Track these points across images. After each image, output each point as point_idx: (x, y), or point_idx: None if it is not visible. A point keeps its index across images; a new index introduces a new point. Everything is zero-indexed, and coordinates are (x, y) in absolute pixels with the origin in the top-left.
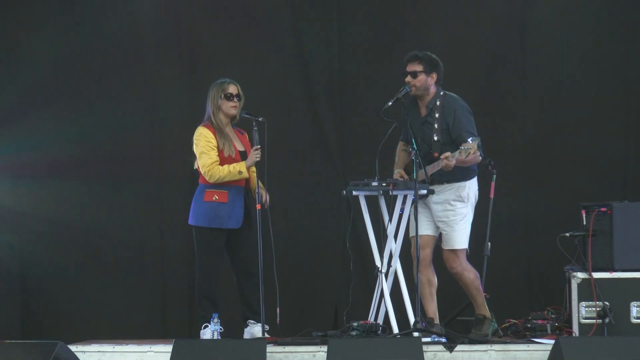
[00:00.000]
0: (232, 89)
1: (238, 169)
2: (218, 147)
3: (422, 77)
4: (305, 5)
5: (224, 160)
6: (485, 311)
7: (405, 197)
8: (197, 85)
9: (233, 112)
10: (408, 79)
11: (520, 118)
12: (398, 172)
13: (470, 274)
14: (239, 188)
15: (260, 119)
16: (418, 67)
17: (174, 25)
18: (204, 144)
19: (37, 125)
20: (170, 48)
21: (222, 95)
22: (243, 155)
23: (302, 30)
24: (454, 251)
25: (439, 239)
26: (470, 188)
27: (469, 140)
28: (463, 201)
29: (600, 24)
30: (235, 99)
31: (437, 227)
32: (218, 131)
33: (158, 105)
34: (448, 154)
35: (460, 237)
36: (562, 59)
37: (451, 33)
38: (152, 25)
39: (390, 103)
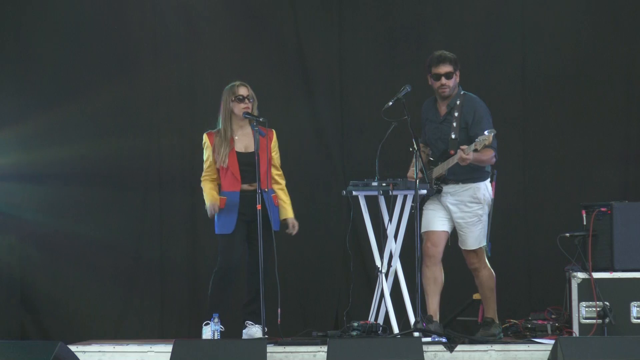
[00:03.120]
0: (243, 90)
1: (206, 200)
2: (214, 156)
3: (454, 77)
4: (306, 4)
5: (220, 169)
6: (494, 315)
7: (405, 197)
8: (196, 85)
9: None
10: (443, 81)
11: (521, 118)
12: (411, 171)
13: (486, 272)
14: (234, 194)
15: (260, 119)
16: (450, 68)
17: (173, 25)
18: (204, 154)
19: (37, 127)
20: (170, 48)
21: (234, 98)
22: (247, 157)
23: (302, 30)
24: (475, 252)
25: (456, 239)
26: (486, 189)
27: (485, 132)
28: (479, 202)
29: (600, 23)
30: (246, 101)
31: (452, 225)
32: (219, 138)
33: (158, 106)
34: (465, 146)
35: (475, 239)
36: (562, 59)
37: (452, 33)
38: (152, 25)
39: (390, 103)
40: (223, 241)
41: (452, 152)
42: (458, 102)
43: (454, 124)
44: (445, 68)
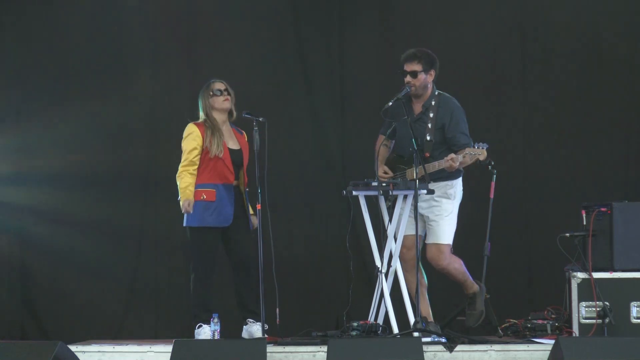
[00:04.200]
0: (219, 85)
1: (182, 195)
2: (203, 146)
3: (421, 76)
4: (306, 5)
5: (208, 161)
6: (473, 287)
7: (405, 197)
8: (196, 84)
9: (227, 105)
10: (408, 79)
11: (521, 118)
12: (382, 169)
13: (455, 264)
14: (228, 186)
15: (260, 119)
16: (417, 67)
17: (173, 24)
18: (187, 144)
19: (37, 123)
20: (170, 48)
21: (211, 93)
22: (236, 154)
23: (302, 30)
24: (439, 246)
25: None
26: (457, 186)
27: (475, 146)
28: (449, 198)
29: (600, 23)
30: (225, 93)
31: (423, 227)
32: (209, 130)
33: (157, 105)
34: (453, 155)
35: (445, 232)
36: (562, 59)
37: (452, 33)
38: (152, 25)
39: (390, 103)
40: (208, 235)
41: (427, 154)
42: (433, 103)
43: (429, 125)
44: (411, 66)
